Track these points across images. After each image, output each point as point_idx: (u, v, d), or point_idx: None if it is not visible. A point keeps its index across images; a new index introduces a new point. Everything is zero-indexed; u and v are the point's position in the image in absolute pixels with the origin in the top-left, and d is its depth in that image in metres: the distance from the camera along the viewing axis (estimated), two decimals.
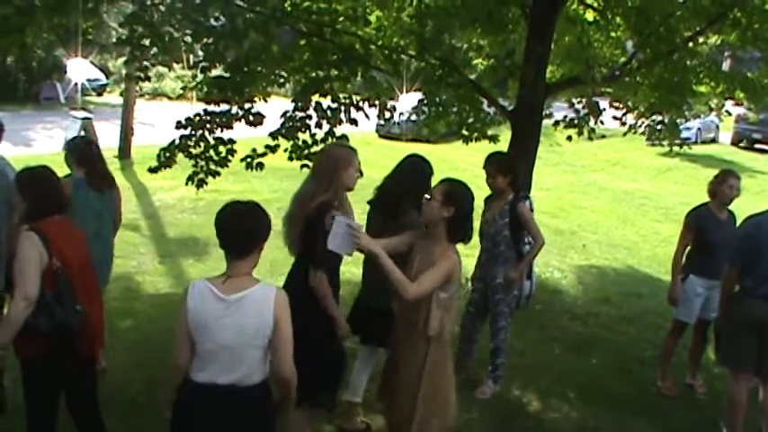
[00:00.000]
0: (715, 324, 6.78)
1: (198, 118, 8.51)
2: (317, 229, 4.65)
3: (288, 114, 8.93)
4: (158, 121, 24.51)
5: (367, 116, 9.30)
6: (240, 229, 3.81)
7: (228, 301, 3.71)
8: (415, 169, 5.92)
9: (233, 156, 8.68)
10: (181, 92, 27.70)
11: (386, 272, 4.36)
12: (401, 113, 10.07)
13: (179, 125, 8.56)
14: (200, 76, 8.80)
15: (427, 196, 4.70)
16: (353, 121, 9.06)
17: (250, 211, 3.86)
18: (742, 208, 7.02)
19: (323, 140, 8.99)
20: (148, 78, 9.07)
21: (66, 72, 32.54)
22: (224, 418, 3.76)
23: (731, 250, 6.31)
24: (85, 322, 4.54)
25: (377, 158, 21.86)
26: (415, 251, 4.64)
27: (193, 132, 8.59)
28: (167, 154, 8.62)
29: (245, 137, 8.89)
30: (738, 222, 6.72)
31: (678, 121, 12.38)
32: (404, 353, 4.72)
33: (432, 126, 11.42)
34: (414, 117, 11.42)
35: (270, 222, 3.87)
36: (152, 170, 8.77)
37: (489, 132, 10.80)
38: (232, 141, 8.61)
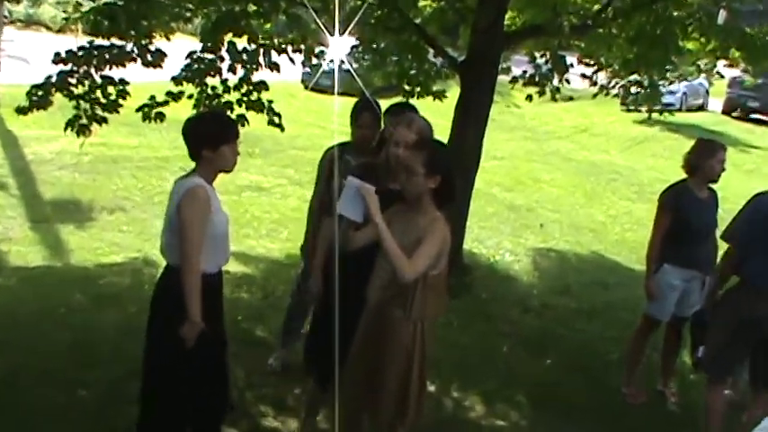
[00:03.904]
0: (693, 321, 6.87)
1: (82, 52, 8.36)
2: None
3: (195, 56, 8.84)
4: (34, 55, 23.94)
5: (292, 61, 9.24)
6: (184, 134, 4.91)
7: (174, 186, 4.90)
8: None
9: (125, 99, 8.54)
10: (63, 21, 27.03)
11: (386, 248, 4.50)
12: (331, 61, 10.06)
13: (58, 59, 8.37)
14: (86, 3, 8.66)
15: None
16: (275, 66, 9.00)
17: (193, 119, 5.13)
18: (731, 187, 7.09)
19: (236, 88, 8.94)
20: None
21: None
22: (156, 288, 5.08)
23: (736, 231, 6.27)
24: None
25: (302, 114, 21.86)
26: (392, 227, 4.65)
27: (76, 69, 8.43)
28: (41, 93, 8.43)
29: (141, 81, 8.79)
30: (721, 201, 6.83)
31: (660, 82, 12.51)
32: (386, 343, 4.85)
33: (367, 78, 11.41)
34: (346, 66, 11.41)
35: (217, 130, 4.91)
36: (21, 111, 8.53)
37: (434, 88, 10.85)
38: (124, 82, 8.47)
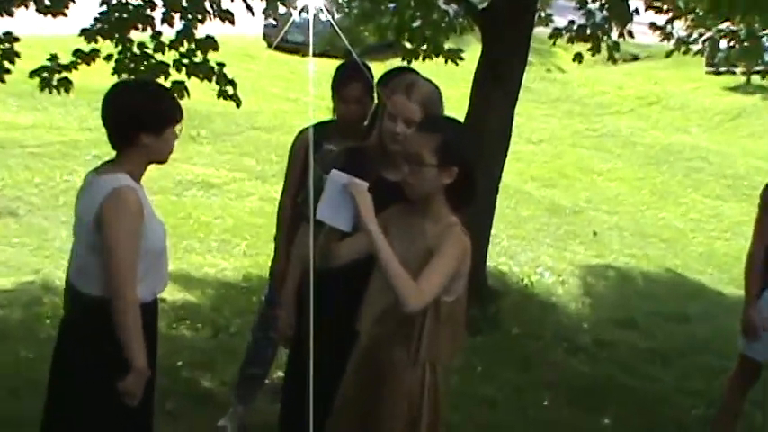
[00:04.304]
0: None
1: None
2: None
3: (113, 0, 8.84)
4: None
5: (249, 8, 9.26)
6: (106, 111, 4.71)
7: (85, 182, 4.75)
8: None
9: (13, 62, 8.55)
10: None
11: (383, 266, 4.38)
12: (304, 9, 10.08)
13: None
14: None
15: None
16: (227, 16, 9.00)
17: (120, 90, 4.98)
18: None
19: (173, 45, 8.93)
20: None
21: None
22: (64, 325, 4.91)
23: None
24: None
25: (265, 82, 21.85)
26: (391, 237, 4.56)
27: None
28: None
29: (36, 35, 8.76)
30: None
31: (763, 33, 12.51)
32: (383, 396, 4.77)
33: (355, 33, 11.43)
34: (325, 16, 11.42)
35: (158, 106, 4.68)
36: None
37: (447, 46, 10.84)
38: (12, 37, 8.48)
